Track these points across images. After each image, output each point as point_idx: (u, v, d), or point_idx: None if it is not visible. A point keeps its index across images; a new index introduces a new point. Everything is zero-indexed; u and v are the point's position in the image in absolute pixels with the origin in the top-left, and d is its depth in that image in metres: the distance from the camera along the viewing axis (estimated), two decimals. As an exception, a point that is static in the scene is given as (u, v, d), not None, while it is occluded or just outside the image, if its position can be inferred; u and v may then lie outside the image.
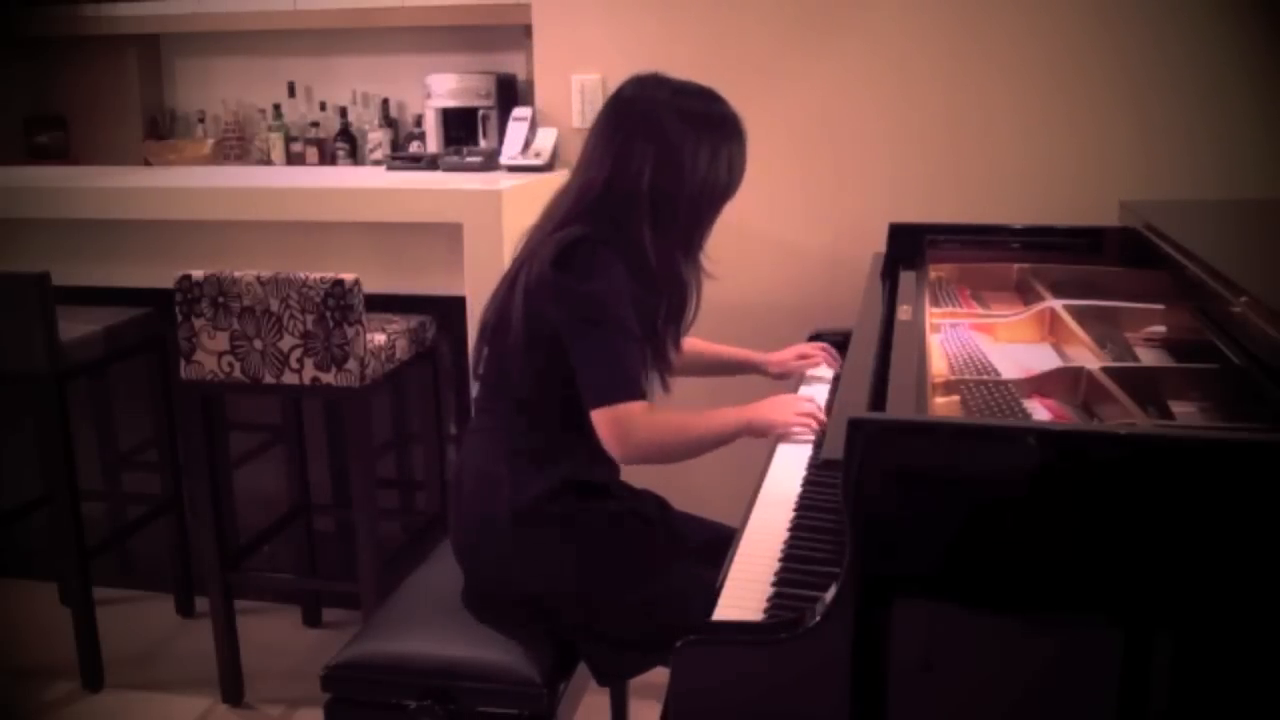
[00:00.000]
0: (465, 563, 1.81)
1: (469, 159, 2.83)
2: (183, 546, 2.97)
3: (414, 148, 4.07)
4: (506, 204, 2.45)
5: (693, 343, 2.13)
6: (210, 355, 2.36)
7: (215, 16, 4.13)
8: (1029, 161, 2.48)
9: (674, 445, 1.74)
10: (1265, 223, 2.13)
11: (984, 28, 2.46)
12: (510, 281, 1.75)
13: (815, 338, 2.24)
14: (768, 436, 1.80)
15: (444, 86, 3.91)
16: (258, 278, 2.30)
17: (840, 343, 2.13)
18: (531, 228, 1.80)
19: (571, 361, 1.68)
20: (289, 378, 2.34)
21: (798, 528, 1.54)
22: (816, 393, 2.01)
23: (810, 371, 2.10)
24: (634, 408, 1.66)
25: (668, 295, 1.76)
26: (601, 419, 1.66)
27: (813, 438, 1.78)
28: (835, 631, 1.15)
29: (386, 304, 2.60)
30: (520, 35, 3.81)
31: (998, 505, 1.10)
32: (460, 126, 3.91)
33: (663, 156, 1.70)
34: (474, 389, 1.88)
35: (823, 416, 1.79)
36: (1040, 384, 1.48)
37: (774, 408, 1.79)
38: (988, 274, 2.10)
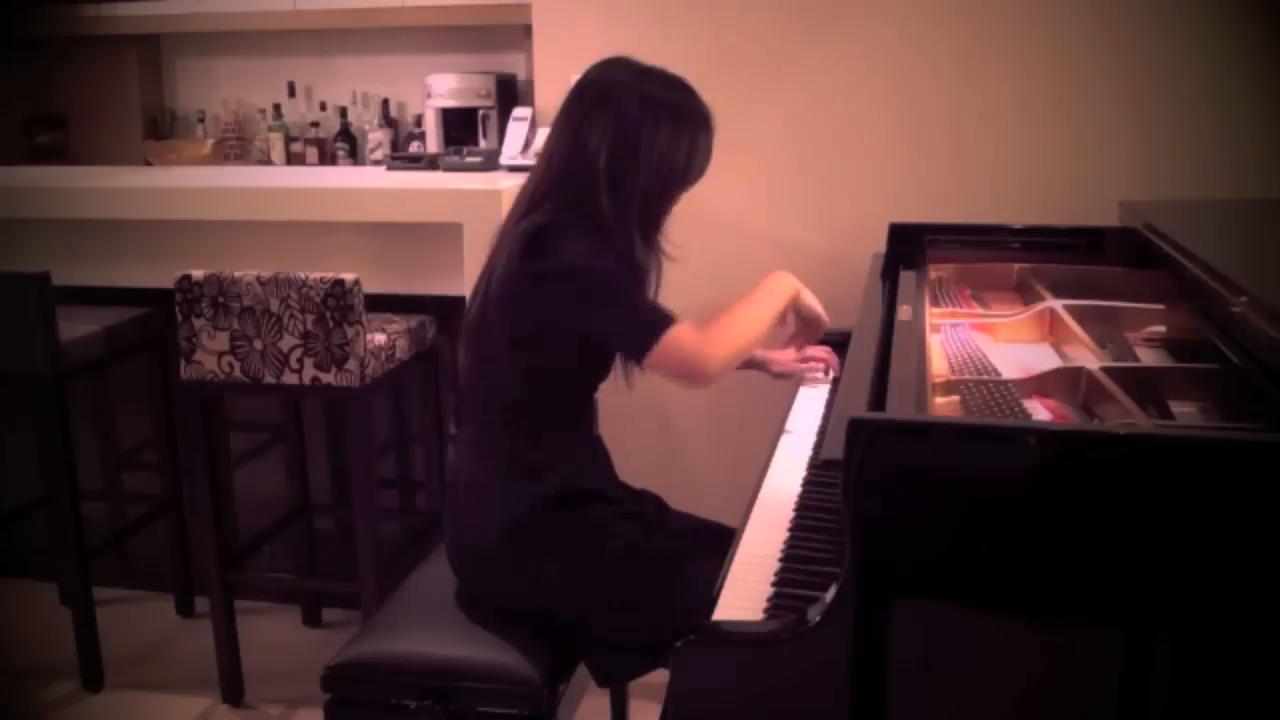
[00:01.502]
0: (460, 573, 1.81)
1: (469, 159, 2.83)
2: (183, 546, 2.97)
3: (414, 148, 4.07)
4: (506, 204, 2.42)
5: None
6: (210, 355, 2.36)
7: (215, 16, 4.13)
8: (1029, 161, 2.48)
9: (739, 339, 1.73)
10: (1265, 223, 2.12)
11: (984, 27, 2.46)
12: (485, 282, 1.74)
13: (815, 338, 2.24)
14: (805, 316, 1.91)
15: (444, 86, 3.90)
16: (258, 278, 2.30)
17: (840, 343, 2.12)
18: (501, 225, 1.79)
19: (595, 335, 1.67)
20: (289, 378, 2.34)
21: (798, 528, 1.54)
22: (816, 395, 2.02)
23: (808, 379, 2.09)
24: (677, 332, 1.63)
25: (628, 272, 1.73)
26: (658, 362, 1.63)
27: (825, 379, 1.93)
28: (835, 631, 1.15)
29: (386, 304, 2.60)
30: (520, 35, 3.81)
31: (998, 505, 1.10)
32: (460, 126, 3.90)
33: (620, 134, 1.68)
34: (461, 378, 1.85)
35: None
36: (1040, 384, 1.48)
37: (809, 297, 1.91)
38: (988, 274, 2.10)
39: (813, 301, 1.93)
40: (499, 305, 1.70)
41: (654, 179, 1.71)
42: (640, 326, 1.64)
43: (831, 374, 2.09)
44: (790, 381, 2.10)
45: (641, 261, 1.74)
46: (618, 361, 1.83)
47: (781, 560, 1.45)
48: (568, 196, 1.70)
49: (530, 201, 1.73)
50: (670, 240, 1.82)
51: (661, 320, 1.64)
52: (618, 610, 1.71)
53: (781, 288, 1.85)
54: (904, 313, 1.74)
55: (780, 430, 1.88)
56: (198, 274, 2.33)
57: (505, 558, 1.73)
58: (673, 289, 2.65)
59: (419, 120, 4.15)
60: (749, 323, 1.76)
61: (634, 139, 1.68)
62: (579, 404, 1.81)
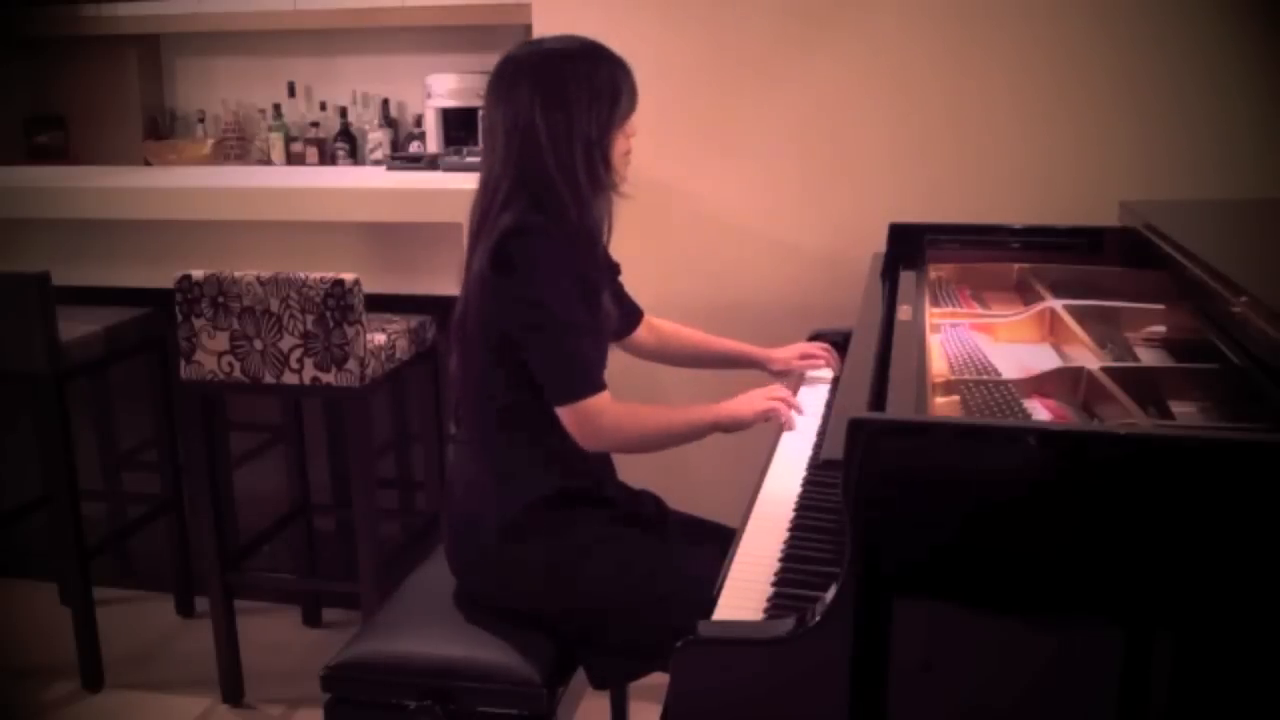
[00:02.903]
0: (457, 572, 1.81)
1: (469, 159, 2.83)
2: (183, 546, 2.97)
3: (414, 148, 4.07)
4: (506, 204, 2.45)
5: (694, 334, 2.13)
6: (210, 355, 2.36)
7: (215, 16, 4.13)
8: (1029, 161, 2.47)
9: (639, 437, 1.77)
10: (1265, 223, 2.12)
11: (984, 27, 2.46)
12: (465, 280, 1.76)
13: (815, 338, 2.24)
14: (738, 431, 1.81)
15: (444, 86, 3.91)
16: (258, 278, 2.30)
17: (840, 343, 2.12)
18: (468, 221, 1.80)
19: (529, 363, 1.70)
20: (289, 378, 2.34)
21: (798, 528, 1.53)
22: (816, 394, 2.01)
23: (810, 373, 2.10)
24: (596, 401, 1.70)
25: (581, 221, 1.75)
26: (566, 415, 1.70)
27: (788, 419, 1.81)
28: (835, 631, 1.15)
29: (386, 304, 2.60)
30: (520, 35, 3.81)
31: (998, 505, 1.10)
32: (460, 126, 3.91)
33: (548, 99, 1.71)
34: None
35: (794, 400, 1.83)
36: (1040, 384, 1.48)
37: (741, 403, 1.82)
38: (988, 274, 2.10)
39: (740, 413, 1.81)
40: (475, 311, 1.72)
41: (591, 132, 1.74)
42: (569, 380, 1.70)
43: (831, 372, 2.08)
44: (791, 379, 2.10)
45: (592, 205, 1.76)
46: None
47: (781, 560, 1.45)
48: (522, 177, 1.72)
49: (488, 195, 1.75)
50: (630, 181, 1.84)
51: (588, 385, 1.70)
52: (616, 612, 1.71)
53: (711, 418, 1.80)
54: (904, 313, 1.74)
55: (780, 430, 1.88)
56: (198, 274, 2.33)
57: (502, 558, 1.73)
58: (674, 288, 2.65)
59: (419, 120, 4.15)
60: (660, 432, 1.79)
61: (561, 94, 1.72)
62: None
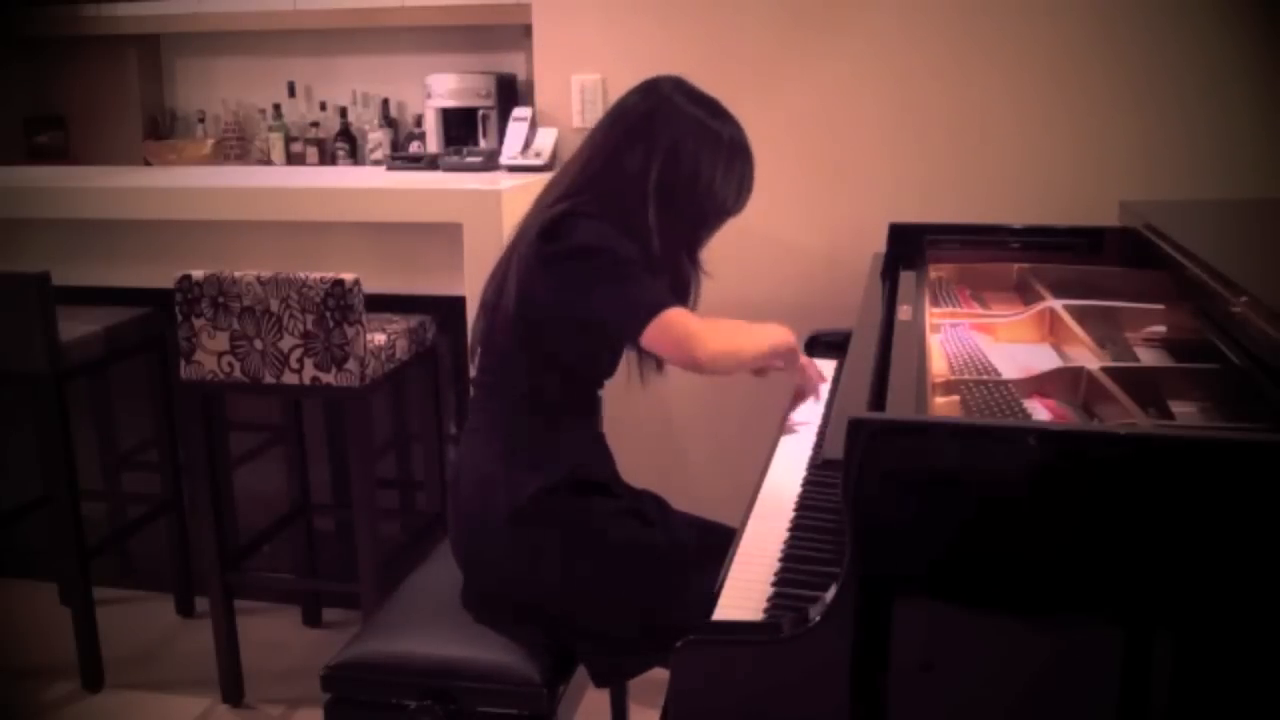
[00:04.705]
0: (464, 564, 1.81)
1: (469, 159, 2.84)
2: (183, 546, 2.97)
3: (414, 148, 4.07)
4: (506, 204, 2.45)
5: None
6: (210, 355, 2.36)
7: (215, 16, 4.12)
8: (1029, 161, 2.48)
9: (730, 342, 1.77)
10: (1265, 223, 2.12)
11: (984, 28, 2.46)
12: (503, 268, 1.77)
13: (815, 338, 2.24)
14: (786, 367, 1.87)
15: (444, 86, 3.90)
16: (258, 278, 2.30)
17: (840, 343, 2.12)
18: (524, 216, 1.81)
19: (593, 318, 1.69)
20: (289, 378, 2.34)
21: (798, 528, 1.53)
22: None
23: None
24: (674, 313, 1.67)
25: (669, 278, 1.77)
26: (654, 337, 1.66)
27: (815, 388, 1.88)
28: (835, 631, 1.15)
29: (386, 304, 2.60)
30: (520, 35, 3.81)
31: (998, 505, 1.10)
32: (460, 126, 3.90)
33: (673, 159, 1.71)
34: (472, 368, 1.87)
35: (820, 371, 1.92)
36: (1040, 384, 1.48)
37: (780, 332, 1.86)
38: (988, 274, 2.10)
39: (809, 364, 1.92)
40: (513, 291, 1.72)
41: (707, 207, 1.76)
42: (640, 304, 1.67)
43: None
44: (788, 380, 2.09)
45: (687, 278, 1.80)
46: (631, 361, 1.85)
47: (781, 560, 1.45)
48: (602, 198, 1.72)
49: (559, 194, 1.75)
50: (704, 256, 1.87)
51: (663, 301, 1.68)
52: (617, 606, 1.72)
53: (780, 331, 1.85)
54: (904, 313, 1.74)
55: (780, 430, 1.88)
56: (198, 274, 2.33)
57: (506, 544, 1.73)
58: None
59: (419, 120, 4.15)
60: (741, 335, 1.80)
61: (691, 168, 1.72)
62: (584, 399, 1.82)
